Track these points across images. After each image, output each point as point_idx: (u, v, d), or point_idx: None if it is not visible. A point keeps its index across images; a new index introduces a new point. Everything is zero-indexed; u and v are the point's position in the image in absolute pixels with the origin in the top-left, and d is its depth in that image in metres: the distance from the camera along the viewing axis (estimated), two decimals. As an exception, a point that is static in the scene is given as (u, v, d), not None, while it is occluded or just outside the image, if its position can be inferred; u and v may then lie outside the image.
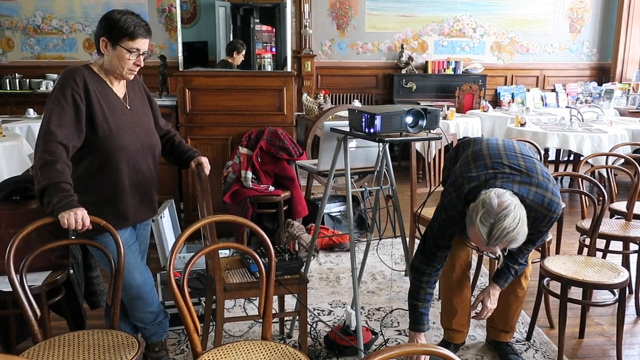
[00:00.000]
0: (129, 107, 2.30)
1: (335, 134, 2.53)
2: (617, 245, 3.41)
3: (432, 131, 2.40)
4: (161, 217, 3.62)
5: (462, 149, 2.42)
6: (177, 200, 4.41)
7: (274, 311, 3.03)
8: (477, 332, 2.96)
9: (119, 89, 2.31)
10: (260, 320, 1.99)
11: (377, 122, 2.23)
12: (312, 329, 2.94)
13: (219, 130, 4.29)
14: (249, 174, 3.98)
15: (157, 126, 2.48)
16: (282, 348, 1.87)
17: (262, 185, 4.00)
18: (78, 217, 1.96)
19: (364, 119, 2.28)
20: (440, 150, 3.61)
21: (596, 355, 2.81)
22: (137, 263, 2.34)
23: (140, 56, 2.22)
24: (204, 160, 2.46)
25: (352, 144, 2.66)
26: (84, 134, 2.14)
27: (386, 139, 2.28)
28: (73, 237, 2.24)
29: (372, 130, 2.26)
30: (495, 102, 8.04)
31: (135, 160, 2.28)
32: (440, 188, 2.47)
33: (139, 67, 2.25)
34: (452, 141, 3.56)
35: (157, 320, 2.50)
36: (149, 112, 2.43)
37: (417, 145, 5.02)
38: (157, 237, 3.57)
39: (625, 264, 3.37)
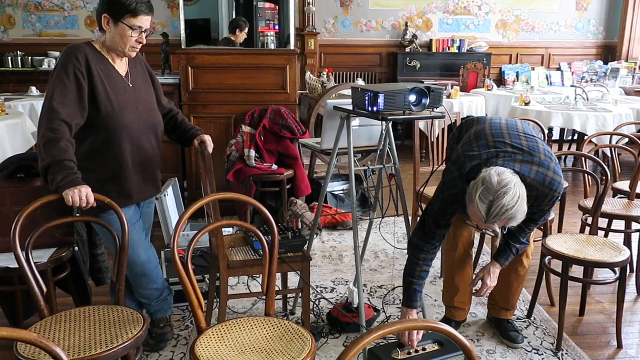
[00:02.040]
0: (131, 85, 2.30)
1: (338, 112, 2.52)
2: (619, 224, 3.43)
3: (435, 109, 2.39)
4: (165, 195, 3.63)
5: (465, 128, 2.42)
6: (181, 178, 4.42)
7: (277, 288, 3.06)
8: (478, 310, 2.99)
9: (121, 66, 2.30)
10: (264, 297, 2.01)
11: (380, 100, 2.23)
12: (315, 305, 2.97)
13: (221, 109, 4.28)
14: (252, 153, 3.98)
15: (159, 104, 2.48)
16: (284, 324, 1.90)
17: (265, 164, 4.00)
18: (82, 195, 1.97)
19: (367, 97, 2.27)
20: (443, 130, 3.60)
21: (596, 332, 2.84)
22: (141, 240, 2.36)
23: (142, 33, 2.21)
24: (207, 139, 2.46)
25: (355, 122, 2.65)
26: (87, 111, 2.14)
27: (389, 117, 2.27)
28: (77, 215, 2.26)
29: (375, 109, 2.25)
30: (500, 80, 7.98)
31: (137, 138, 2.29)
32: (443, 167, 2.47)
33: (141, 45, 2.24)
34: (455, 120, 3.54)
35: (162, 296, 2.53)
36: (151, 90, 2.43)
37: (421, 124, 4.99)
38: (160, 215, 3.59)
39: (627, 242, 3.39)
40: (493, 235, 2.14)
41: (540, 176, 2.09)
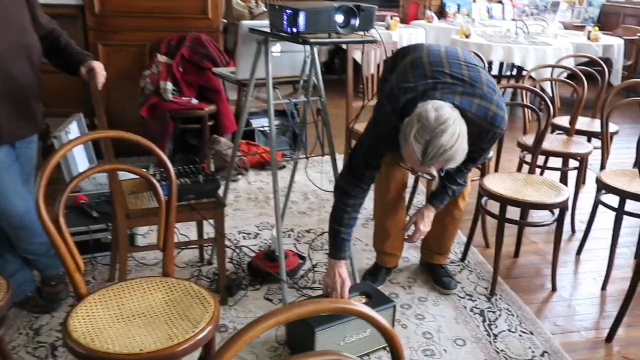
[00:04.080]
0: (-8, -2, 1.85)
1: (255, 36, 2.16)
2: (556, 162, 3.30)
3: (366, 33, 2.08)
4: (66, 134, 3.18)
5: (401, 57, 2.12)
6: (89, 114, 3.93)
7: (188, 239, 2.73)
8: (410, 254, 2.81)
9: (-22, -27, 1.83)
10: (183, 247, 1.71)
11: (301, 20, 1.89)
12: (236, 254, 2.70)
13: (134, 36, 3.80)
14: (169, 85, 3.56)
15: (36, 23, 2.03)
16: (184, 285, 1.61)
17: (183, 98, 3.61)
18: None
19: (285, 16, 1.92)
20: (381, 64, 3.29)
21: (530, 275, 2.73)
22: (16, 188, 1.98)
23: None
24: (97, 65, 2.05)
25: (276, 48, 2.31)
26: None
27: (311, 40, 1.94)
28: None
29: (294, 30, 1.91)
30: (441, 13, 7.67)
31: (5, 63, 1.86)
32: (375, 101, 2.18)
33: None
34: (392, 50, 3.24)
35: (52, 251, 2.17)
36: (22, 6, 1.97)
37: (357, 56, 4.67)
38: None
39: (564, 180, 3.27)
40: (430, 178, 1.91)
41: (482, 110, 1.85)
